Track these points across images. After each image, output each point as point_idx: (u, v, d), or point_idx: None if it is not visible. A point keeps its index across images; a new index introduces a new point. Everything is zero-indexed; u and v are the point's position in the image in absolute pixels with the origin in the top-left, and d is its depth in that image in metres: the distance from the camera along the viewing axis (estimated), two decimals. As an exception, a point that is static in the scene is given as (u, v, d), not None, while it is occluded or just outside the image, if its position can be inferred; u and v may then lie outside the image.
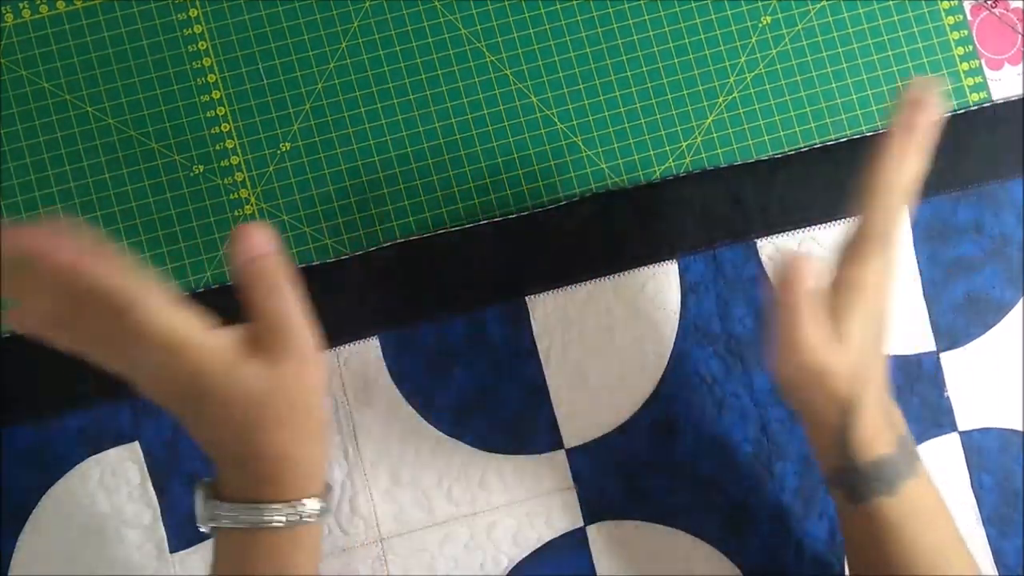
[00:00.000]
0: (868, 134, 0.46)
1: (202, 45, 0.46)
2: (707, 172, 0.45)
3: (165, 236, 0.45)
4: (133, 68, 0.45)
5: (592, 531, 0.44)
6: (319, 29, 0.46)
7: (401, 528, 0.43)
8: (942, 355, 0.46)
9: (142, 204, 0.45)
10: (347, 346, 0.44)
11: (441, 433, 0.44)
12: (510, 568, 0.43)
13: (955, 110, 0.47)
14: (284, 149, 0.46)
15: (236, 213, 0.45)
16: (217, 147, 0.45)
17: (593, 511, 0.44)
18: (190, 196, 0.45)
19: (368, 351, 0.44)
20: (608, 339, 0.45)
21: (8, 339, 0.44)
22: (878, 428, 0.36)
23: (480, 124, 0.46)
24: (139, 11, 0.46)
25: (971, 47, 0.47)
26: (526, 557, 0.44)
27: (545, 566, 0.44)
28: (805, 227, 0.45)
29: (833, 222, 0.46)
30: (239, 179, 0.45)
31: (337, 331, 0.44)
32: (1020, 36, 0.48)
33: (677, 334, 0.45)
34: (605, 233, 0.45)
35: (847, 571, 0.44)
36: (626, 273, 0.45)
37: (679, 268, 0.45)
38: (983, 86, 0.47)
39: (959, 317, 0.46)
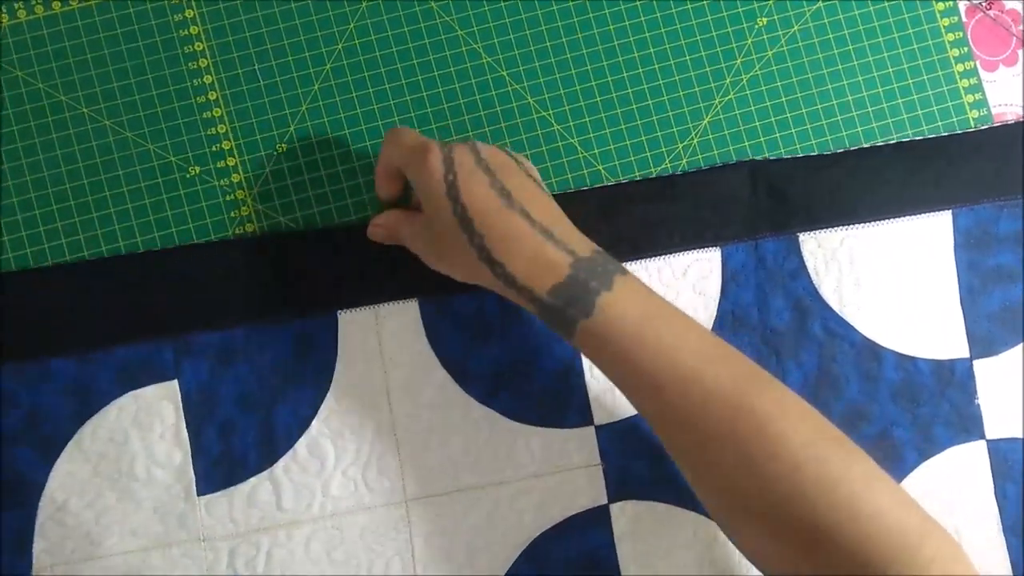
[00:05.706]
0: (916, 138, 0.46)
1: (199, 46, 0.46)
2: (755, 163, 0.46)
3: (161, 238, 0.45)
4: (129, 69, 0.45)
5: (615, 509, 0.44)
6: (316, 30, 0.46)
7: (426, 491, 0.44)
8: (975, 362, 0.46)
9: (138, 206, 0.45)
10: (386, 305, 0.44)
11: (472, 399, 0.44)
12: (531, 539, 0.44)
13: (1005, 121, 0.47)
14: (281, 150, 0.46)
15: (232, 215, 0.45)
16: (213, 148, 0.45)
17: (618, 489, 0.44)
18: (186, 197, 0.45)
19: (407, 312, 0.44)
20: None
21: (54, 269, 0.44)
22: (536, 262, 0.37)
23: (477, 125, 0.46)
24: (135, 12, 0.45)
25: (966, 49, 0.48)
26: (548, 530, 0.44)
27: (566, 540, 0.44)
28: (848, 224, 0.46)
29: (876, 222, 0.46)
30: (235, 180, 0.45)
31: (377, 290, 0.44)
32: (1015, 38, 0.48)
33: (715, 321, 0.45)
34: (652, 218, 0.45)
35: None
36: (668, 256, 0.45)
37: (722, 256, 0.45)
38: (978, 88, 0.47)
39: (994, 326, 0.46)
